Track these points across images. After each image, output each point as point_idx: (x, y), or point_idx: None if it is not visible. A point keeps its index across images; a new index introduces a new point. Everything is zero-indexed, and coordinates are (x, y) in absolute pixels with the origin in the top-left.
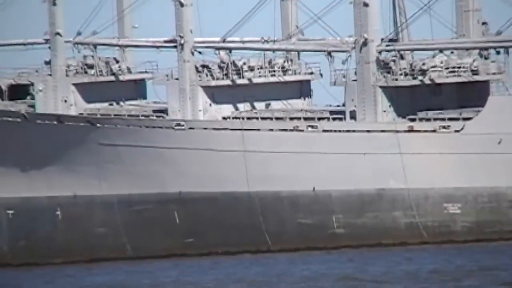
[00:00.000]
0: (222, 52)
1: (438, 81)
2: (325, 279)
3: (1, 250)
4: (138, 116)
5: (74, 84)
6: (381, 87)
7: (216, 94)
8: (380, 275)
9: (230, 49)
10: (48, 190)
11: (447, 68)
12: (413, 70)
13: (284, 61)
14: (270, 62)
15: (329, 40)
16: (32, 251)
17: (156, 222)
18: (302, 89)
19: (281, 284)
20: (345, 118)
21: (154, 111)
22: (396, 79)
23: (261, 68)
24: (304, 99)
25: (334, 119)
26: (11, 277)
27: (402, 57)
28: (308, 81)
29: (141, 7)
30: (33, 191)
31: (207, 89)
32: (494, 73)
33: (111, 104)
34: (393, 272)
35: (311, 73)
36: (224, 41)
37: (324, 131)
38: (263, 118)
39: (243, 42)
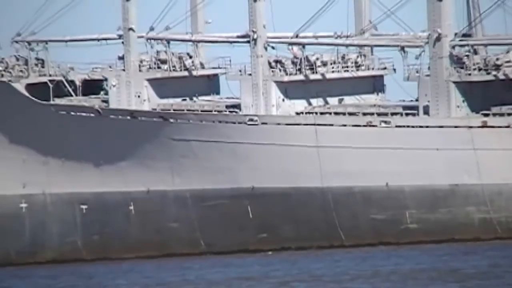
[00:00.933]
0: (295, 47)
1: None
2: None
3: (75, 245)
4: (211, 111)
5: (147, 79)
6: (454, 82)
7: (289, 89)
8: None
9: (303, 44)
10: (121, 185)
11: None
12: (486, 65)
13: (357, 56)
14: (343, 57)
15: (402, 35)
16: (105, 246)
17: (229, 217)
18: (375, 84)
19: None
20: (418, 114)
21: (227, 106)
22: (470, 74)
23: (334, 63)
24: (377, 94)
25: (407, 114)
26: (85, 272)
27: (475, 52)
28: (381, 76)
29: (214, 2)
30: (106, 186)
31: (280, 84)
32: None
33: (184, 99)
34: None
35: (384, 68)
36: (297, 36)
37: (397, 126)
38: (336, 113)
39: (316, 37)
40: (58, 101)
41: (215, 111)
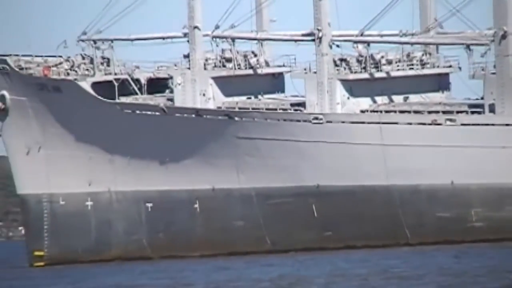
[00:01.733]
0: (360, 46)
1: None
2: None
3: (140, 243)
4: (276, 109)
5: (212, 78)
6: None
7: (354, 88)
8: None
9: (368, 42)
10: (186, 183)
11: None
12: None
13: (423, 54)
14: (408, 55)
15: (467, 33)
16: (171, 244)
17: (294, 216)
18: (441, 82)
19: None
20: (483, 112)
21: (292, 104)
22: None
23: (399, 61)
24: (443, 92)
25: (472, 112)
26: (149, 269)
27: None
28: (447, 74)
29: (279, 0)
30: (172, 184)
31: (345, 82)
32: None
33: (249, 98)
34: None
35: (450, 66)
36: (362, 34)
37: (463, 124)
38: (401, 112)
39: (381, 35)
40: (123, 99)
41: (280, 109)
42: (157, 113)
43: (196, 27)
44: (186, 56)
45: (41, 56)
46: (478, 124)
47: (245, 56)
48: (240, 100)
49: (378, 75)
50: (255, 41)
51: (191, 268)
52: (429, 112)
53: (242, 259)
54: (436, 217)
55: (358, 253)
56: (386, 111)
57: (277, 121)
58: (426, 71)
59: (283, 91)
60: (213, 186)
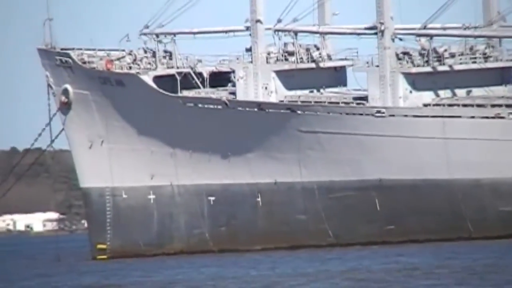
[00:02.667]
0: (423, 39)
1: None
2: None
3: (202, 236)
4: (338, 103)
5: (274, 71)
6: None
7: (416, 81)
8: None
9: (431, 36)
10: (249, 177)
11: None
12: None
13: (486, 48)
14: (471, 49)
15: None
16: (232, 238)
17: (357, 209)
18: (504, 75)
19: None
20: None
21: (354, 98)
22: None
23: (462, 54)
24: (506, 85)
25: None
26: (212, 262)
27: None
28: (510, 68)
29: None
30: (234, 178)
31: (407, 76)
32: None
33: (311, 91)
34: None
35: None
36: (425, 27)
37: None
38: (464, 105)
39: (444, 28)
40: (185, 93)
41: (342, 103)
42: (219, 107)
43: (258, 20)
44: (249, 50)
45: (104, 50)
46: None
47: (307, 49)
48: (302, 94)
49: (440, 68)
50: (318, 35)
51: (270, 260)
52: (492, 106)
53: (305, 252)
54: (499, 211)
55: (424, 246)
56: (449, 105)
57: (339, 114)
58: (489, 65)
59: (345, 84)
60: (275, 179)
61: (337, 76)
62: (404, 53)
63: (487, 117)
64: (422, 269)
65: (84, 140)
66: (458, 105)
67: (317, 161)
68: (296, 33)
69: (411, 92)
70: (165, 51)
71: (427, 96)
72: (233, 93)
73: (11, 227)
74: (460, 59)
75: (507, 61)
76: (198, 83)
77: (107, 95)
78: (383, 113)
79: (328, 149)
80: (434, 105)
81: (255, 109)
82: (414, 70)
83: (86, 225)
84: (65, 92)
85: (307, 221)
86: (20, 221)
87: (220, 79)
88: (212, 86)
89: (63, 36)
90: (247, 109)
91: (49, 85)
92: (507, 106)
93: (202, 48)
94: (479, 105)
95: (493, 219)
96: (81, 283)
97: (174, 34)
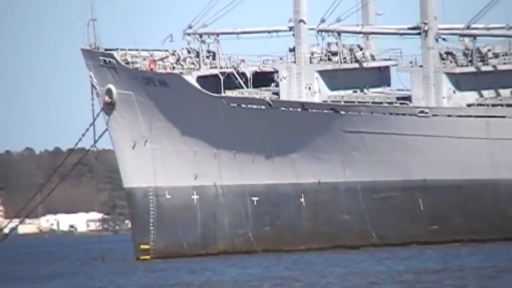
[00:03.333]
0: (466, 39)
1: None
2: None
3: (246, 237)
4: (381, 103)
5: (318, 71)
6: None
7: (460, 81)
8: None
9: (474, 36)
10: (292, 177)
11: None
12: None
13: None
14: None
15: None
16: (276, 238)
17: (400, 209)
18: None
19: None
20: None
21: (398, 98)
22: None
23: (506, 54)
24: None
25: None
26: (256, 263)
27: None
28: None
29: None
30: (277, 178)
31: (451, 76)
32: None
33: (355, 91)
34: None
35: None
36: (468, 27)
37: None
38: (508, 105)
39: (488, 28)
40: (229, 93)
41: (385, 103)
42: (263, 107)
43: (301, 20)
44: (292, 50)
45: (147, 50)
46: None
47: (350, 49)
48: (345, 94)
49: (484, 68)
50: (361, 35)
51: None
52: None
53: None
54: None
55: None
56: (493, 105)
57: (383, 114)
58: None
59: (389, 84)
60: (319, 180)
61: (381, 76)
62: (448, 53)
63: None
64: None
65: (128, 140)
66: (502, 105)
67: (361, 161)
68: (339, 33)
69: (454, 92)
70: (209, 51)
71: (471, 96)
72: (276, 93)
73: (54, 227)
74: (504, 59)
75: None
76: (241, 83)
77: (151, 96)
78: (427, 113)
79: (372, 149)
80: (477, 105)
81: (299, 109)
82: (457, 70)
83: (129, 225)
84: (109, 92)
85: (351, 221)
86: (64, 221)
87: (263, 79)
88: (255, 86)
89: (107, 37)
90: (291, 109)
91: (92, 86)
92: None
93: (245, 48)
94: None
95: None
96: (141, 283)
97: (218, 34)
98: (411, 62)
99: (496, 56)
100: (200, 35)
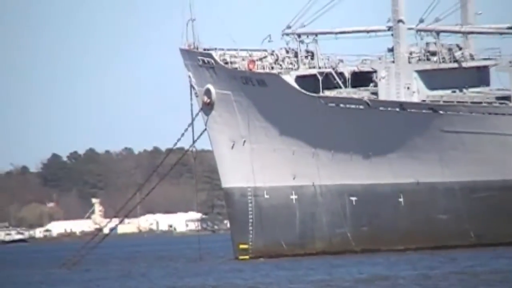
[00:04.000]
0: None
1: None
2: None
3: (344, 236)
4: (481, 103)
5: (416, 71)
6: None
7: None
8: None
9: None
10: (390, 177)
11: None
12: None
13: None
14: None
15: None
16: (374, 238)
17: (499, 209)
18: None
19: None
20: None
21: (497, 98)
22: None
23: None
24: None
25: None
26: (353, 263)
27: None
28: None
29: None
30: (376, 178)
31: None
32: None
33: (454, 91)
34: None
35: None
36: None
37: None
38: None
39: None
40: (327, 93)
41: (485, 103)
42: (361, 107)
43: (400, 20)
44: (390, 50)
45: (246, 50)
46: None
47: (449, 49)
48: (444, 94)
49: None
50: (460, 34)
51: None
52: None
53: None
54: None
55: None
56: None
57: (482, 114)
58: None
59: (488, 84)
60: (417, 180)
61: (480, 76)
62: None
63: None
64: None
65: (226, 140)
66: None
67: (459, 161)
68: (438, 32)
69: None
70: (307, 51)
71: None
72: (375, 93)
73: (154, 227)
74: None
75: None
76: (340, 83)
77: (249, 95)
78: None
79: (470, 149)
80: None
81: (397, 109)
82: None
83: (228, 225)
84: (208, 92)
85: (449, 221)
86: (163, 221)
87: (362, 79)
88: (354, 86)
89: (206, 37)
90: (389, 109)
91: (191, 86)
92: None
93: (344, 48)
94: None
95: None
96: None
97: (316, 34)
98: (510, 62)
99: None
100: (299, 35)
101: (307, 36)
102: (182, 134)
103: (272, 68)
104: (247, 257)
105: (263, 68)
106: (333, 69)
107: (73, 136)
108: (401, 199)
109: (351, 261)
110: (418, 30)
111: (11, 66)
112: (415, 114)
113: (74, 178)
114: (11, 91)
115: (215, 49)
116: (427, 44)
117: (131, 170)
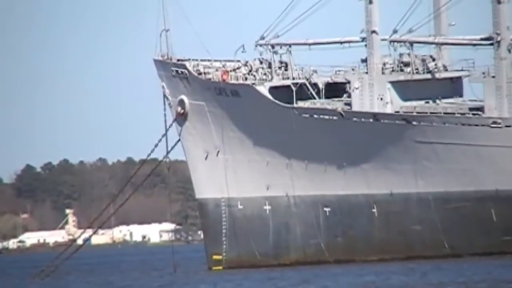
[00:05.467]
0: None
1: None
2: None
3: (318, 247)
4: (454, 114)
5: (390, 82)
6: None
7: None
8: None
9: None
10: (364, 188)
11: None
12: None
13: None
14: None
15: None
16: (349, 248)
17: (473, 220)
18: None
19: None
20: None
21: (470, 108)
22: None
23: None
24: None
25: None
26: (327, 273)
27: None
28: None
29: (457, 5)
30: (350, 189)
31: None
32: None
33: (427, 102)
34: None
35: None
36: None
37: None
38: None
39: None
40: (301, 104)
41: (458, 113)
42: (335, 118)
43: (373, 31)
44: (364, 61)
45: (220, 60)
46: None
47: (423, 60)
48: (418, 105)
49: None
50: (433, 45)
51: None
52: None
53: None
54: None
55: None
56: None
57: (455, 125)
58: None
59: (461, 95)
60: (391, 190)
61: (453, 87)
62: None
63: None
64: None
65: (200, 151)
66: None
67: (433, 171)
68: (412, 43)
69: None
70: (281, 62)
71: None
72: (349, 104)
73: (128, 237)
74: None
75: None
76: (314, 93)
77: (223, 106)
78: (500, 123)
79: (444, 159)
80: None
81: (371, 120)
82: None
83: (202, 236)
84: (181, 103)
85: (423, 232)
86: (137, 232)
87: (336, 89)
88: (327, 97)
89: (179, 47)
90: (363, 120)
91: (165, 96)
92: None
93: (318, 58)
94: None
95: None
96: None
97: (290, 44)
98: (483, 73)
99: None
100: (273, 46)
101: (281, 47)
102: (156, 145)
103: (246, 79)
104: (220, 267)
105: (237, 79)
106: (307, 79)
107: (47, 147)
108: (374, 210)
109: (325, 272)
110: (392, 41)
111: None
112: (389, 125)
113: (48, 189)
114: None
115: (189, 59)
116: (401, 55)
117: (105, 180)
